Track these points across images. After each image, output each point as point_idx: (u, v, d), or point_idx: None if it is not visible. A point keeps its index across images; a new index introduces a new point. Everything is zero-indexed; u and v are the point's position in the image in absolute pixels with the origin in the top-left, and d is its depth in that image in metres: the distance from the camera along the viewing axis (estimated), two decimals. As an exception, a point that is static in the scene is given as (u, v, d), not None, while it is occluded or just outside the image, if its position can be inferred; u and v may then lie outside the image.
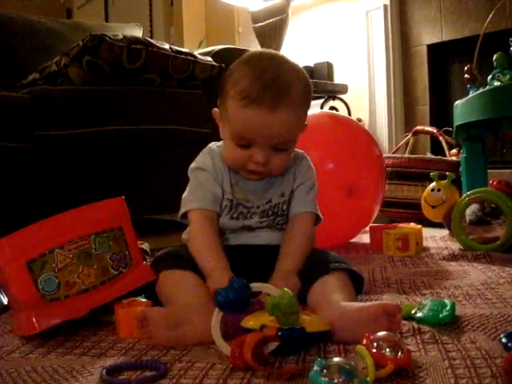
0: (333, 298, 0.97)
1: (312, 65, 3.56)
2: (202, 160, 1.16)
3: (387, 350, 0.74)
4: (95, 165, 1.97)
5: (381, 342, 0.75)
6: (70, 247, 0.98)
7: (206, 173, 1.14)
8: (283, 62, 1.07)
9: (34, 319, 0.94)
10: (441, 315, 0.94)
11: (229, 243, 1.15)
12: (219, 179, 1.13)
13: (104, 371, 0.78)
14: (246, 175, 1.12)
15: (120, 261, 1.02)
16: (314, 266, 1.07)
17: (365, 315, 0.87)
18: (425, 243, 1.85)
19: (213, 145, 1.19)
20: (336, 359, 0.68)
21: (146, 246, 1.51)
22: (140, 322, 0.88)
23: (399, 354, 0.74)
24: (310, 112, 2.06)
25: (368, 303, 0.94)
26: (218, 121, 1.15)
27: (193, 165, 1.17)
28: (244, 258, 1.12)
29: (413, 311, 0.99)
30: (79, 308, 0.97)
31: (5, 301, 1.15)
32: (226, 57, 2.25)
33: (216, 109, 1.14)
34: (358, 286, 1.13)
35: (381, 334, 0.77)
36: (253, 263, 1.10)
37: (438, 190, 2.05)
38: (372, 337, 0.76)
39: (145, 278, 1.05)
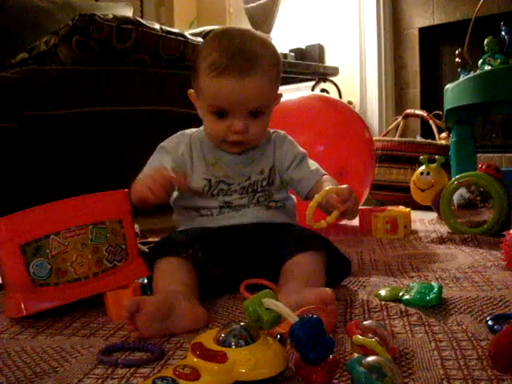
0: (296, 283, 0.97)
1: (303, 47, 3.55)
2: (168, 141, 1.22)
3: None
4: (85, 146, 1.96)
5: (369, 334, 0.71)
6: (66, 235, 0.97)
7: (166, 153, 1.19)
8: (249, 34, 1.12)
9: (21, 302, 0.94)
10: (428, 298, 0.95)
11: (216, 225, 1.15)
12: (180, 161, 1.17)
13: (101, 350, 0.79)
14: (228, 149, 1.15)
15: (115, 254, 1.01)
16: (293, 242, 1.07)
17: (306, 302, 0.87)
18: (413, 226, 1.86)
19: (189, 130, 1.23)
20: (370, 358, 0.63)
21: (136, 227, 1.51)
22: (131, 314, 0.85)
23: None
24: (301, 94, 2.07)
25: (315, 289, 0.92)
26: (194, 101, 1.18)
27: (161, 143, 1.22)
28: (234, 238, 1.12)
29: (400, 293, 1.00)
30: (68, 296, 0.97)
31: None
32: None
33: (191, 90, 1.18)
34: (344, 267, 1.14)
35: (368, 323, 0.75)
36: (243, 243, 1.12)
37: (428, 174, 2.06)
38: (359, 325, 0.74)
39: (138, 274, 1.05)
